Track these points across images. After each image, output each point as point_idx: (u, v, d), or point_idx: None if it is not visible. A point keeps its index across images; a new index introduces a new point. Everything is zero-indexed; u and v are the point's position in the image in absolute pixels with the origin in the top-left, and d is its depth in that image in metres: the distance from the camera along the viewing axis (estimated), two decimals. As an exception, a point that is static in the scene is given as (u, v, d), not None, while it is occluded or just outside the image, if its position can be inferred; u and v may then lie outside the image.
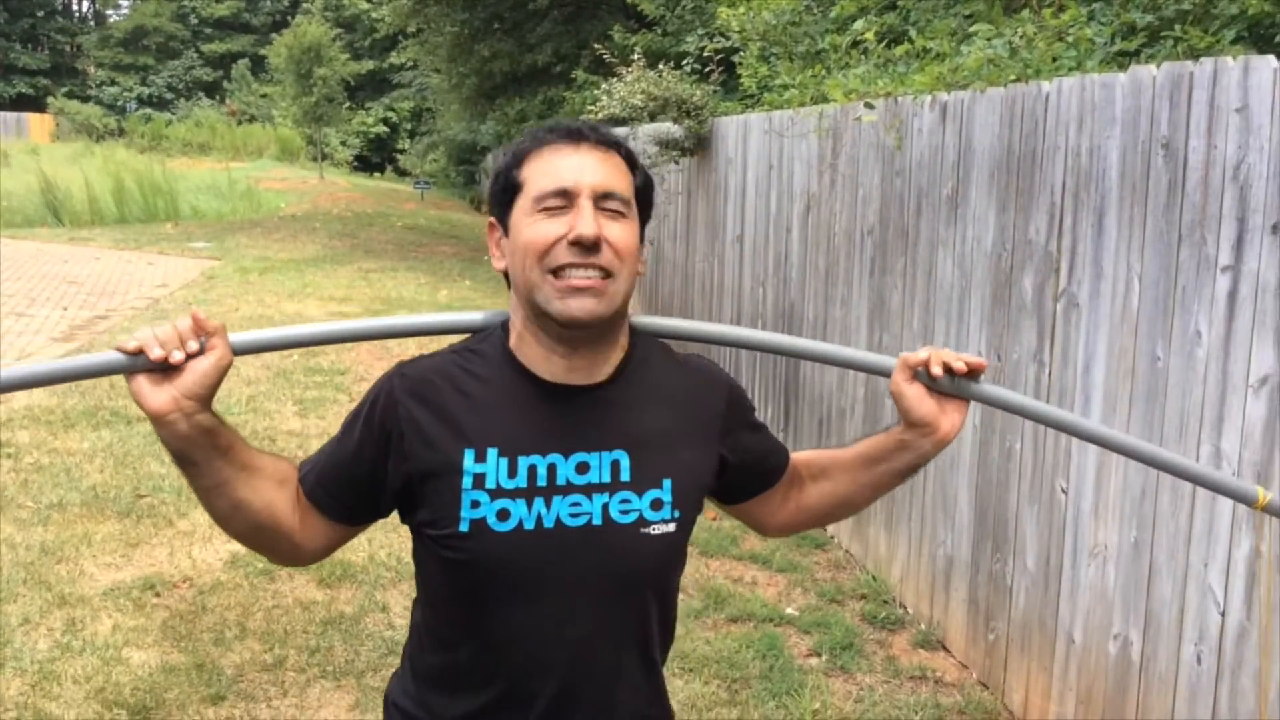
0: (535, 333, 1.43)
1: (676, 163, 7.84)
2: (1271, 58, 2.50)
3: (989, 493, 3.77)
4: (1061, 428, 1.60)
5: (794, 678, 3.72)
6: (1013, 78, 3.74)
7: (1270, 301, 2.49)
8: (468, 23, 15.73)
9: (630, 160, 1.47)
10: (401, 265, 14.31)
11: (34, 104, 47.53)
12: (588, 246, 1.36)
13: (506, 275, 1.48)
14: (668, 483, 1.47)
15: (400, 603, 4.16)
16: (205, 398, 1.33)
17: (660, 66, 7.94)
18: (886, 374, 1.52)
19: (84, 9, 57.74)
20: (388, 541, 4.67)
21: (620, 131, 9.48)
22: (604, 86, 8.34)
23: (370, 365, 8.12)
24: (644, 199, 1.48)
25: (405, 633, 1.65)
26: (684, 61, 8.62)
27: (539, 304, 1.39)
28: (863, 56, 5.67)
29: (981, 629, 3.83)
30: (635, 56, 8.35)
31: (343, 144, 38.08)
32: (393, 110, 39.33)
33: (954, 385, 1.48)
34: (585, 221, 1.36)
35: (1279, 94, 2.46)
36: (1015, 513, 3.59)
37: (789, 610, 4.33)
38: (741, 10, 7.40)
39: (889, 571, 4.57)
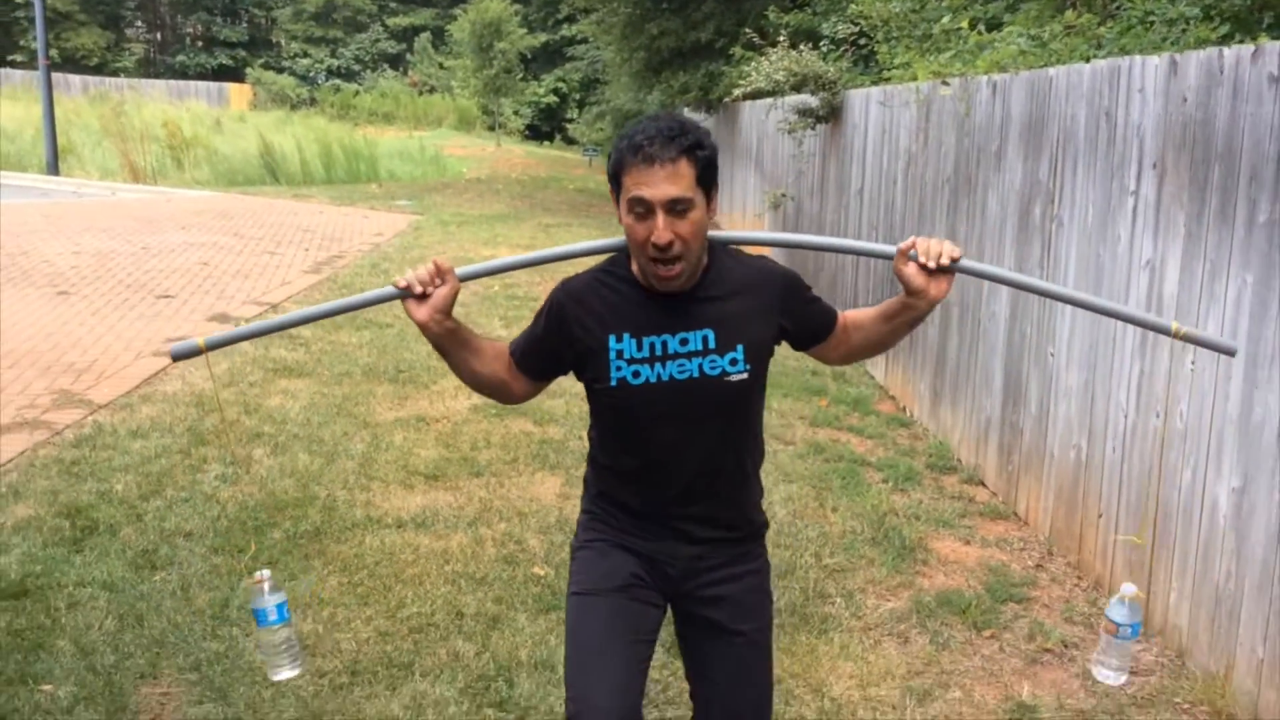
0: (643, 269, 2.11)
1: (813, 129, 9.31)
2: (1156, 57, 3.92)
3: (1012, 365, 5.24)
4: (1020, 287, 2.23)
5: (863, 488, 5.29)
6: (1040, 64, 5.17)
7: (1149, 212, 3.93)
8: (640, 2, 17.35)
9: (694, 154, 2.00)
10: (575, 221, 16.21)
11: (233, 75, 51.31)
12: (663, 249, 1.99)
13: None
14: (740, 347, 2.13)
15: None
16: (447, 311, 2.06)
17: (801, 46, 9.40)
18: (889, 259, 2.11)
19: (279, -17, 61.80)
20: (576, 401, 6.42)
21: (764, 103, 10.95)
22: (752, 64, 9.86)
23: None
24: (708, 176, 2.04)
25: None
26: (819, 43, 10.02)
27: (641, 266, 2.09)
28: (961, 41, 7.09)
29: (1004, 464, 5.31)
30: (781, 37, 9.81)
31: (515, 113, 39.90)
32: (563, 81, 41.12)
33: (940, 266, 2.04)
34: (659, 232, 1.98)
35: (1157, 80, 3.89)
36: (1026, 374, 5.07)
37: (870, 458, 5.88)
38: (876, -4, 8.81)
39: (952, 437, 6.07)
